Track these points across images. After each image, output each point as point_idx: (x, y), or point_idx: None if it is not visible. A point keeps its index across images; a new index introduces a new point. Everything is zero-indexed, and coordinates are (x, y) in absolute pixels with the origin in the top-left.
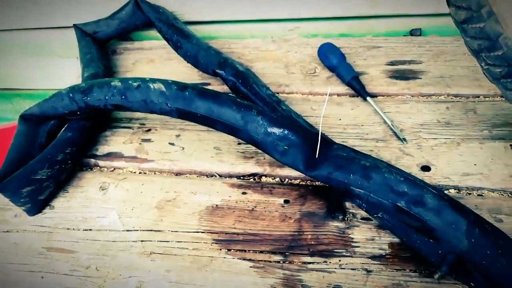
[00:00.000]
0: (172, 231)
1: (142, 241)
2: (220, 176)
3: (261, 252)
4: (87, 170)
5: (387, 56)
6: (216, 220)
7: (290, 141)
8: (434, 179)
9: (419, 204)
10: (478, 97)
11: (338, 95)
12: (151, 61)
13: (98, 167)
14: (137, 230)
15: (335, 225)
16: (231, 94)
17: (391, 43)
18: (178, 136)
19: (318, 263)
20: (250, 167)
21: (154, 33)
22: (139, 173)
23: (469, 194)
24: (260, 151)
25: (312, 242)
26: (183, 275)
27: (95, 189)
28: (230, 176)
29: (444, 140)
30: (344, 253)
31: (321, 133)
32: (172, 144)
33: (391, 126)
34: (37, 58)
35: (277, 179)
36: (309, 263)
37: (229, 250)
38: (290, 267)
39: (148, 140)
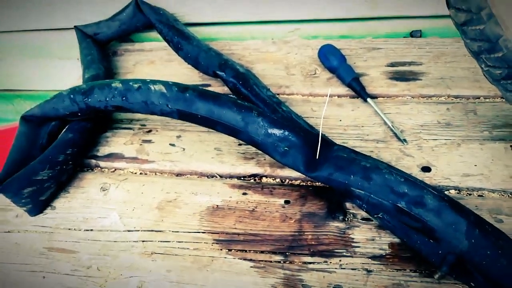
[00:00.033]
0: (173, 232)
1: (143, 241)
2: (221, 176)
3: (262, 252)
4: (88, 171)
5: (388, 57)
6: (216, 220)
7: (290, 142)
8: (435, 180)
9: (419, 205)
10: (479, 98)
11: (339, 96)
12: (151, 62)
13: (99, 168)
14: (138, 231)
15: (335, 225)
16: (231, 96)
17: (392, 45)
18: (178, 137)
19: (318, 263)
20: (251, 168)
21: (154, 34)
22: (140, 173)
23: (470, 194)
24: (260, 152)
25: (313, 242)
26: (184, 275)
27: (96, 190)
28: (231, 177)
29: (444, 141)
30: (344, 253)
31: (322, 134)
32: (173, 145)
33: (392, 127)
34: (37, 59)
35: (278, 180)
36: (310, 263)
37: (229, 250)
38: (291, 267)
39: (149, 141)
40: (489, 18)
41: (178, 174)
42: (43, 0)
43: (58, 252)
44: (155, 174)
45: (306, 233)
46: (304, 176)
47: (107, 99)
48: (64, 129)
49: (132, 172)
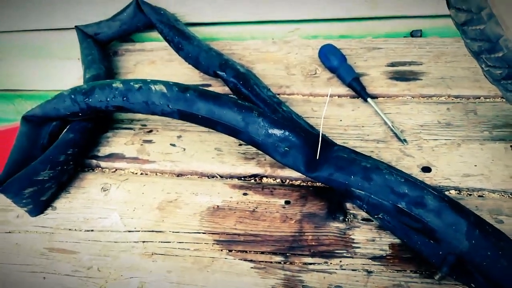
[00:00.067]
0: (173, 232)
1: (143, 241)
2: (221, 177)
3: (262, 252)
4: (89, 171)
5: (388, 57)
6: (217, 221)
7: (291, 142)
8: (435, 180)
9: (419, 205)
10: (479, 98)
11: (339, 96)
12: (152, 62)
13: (99, 168)
14: (139, 231)
15: (335, 226)
16: (232, 96)
17: (392, 44)
18: (179, 137)
19: (319, 263)
20: (251, 168)
21: (155, 34)
22: (141, 174)
23: (470, 195)
24: (261, 152)
25: (313, 243)
26: (185, 275)
27: (96, 190)
28: (231, 177)
29: (444, 141)
30: (344, 254)
31: (322, 134)
32: (174, 145)
33: (392, 127)
34: (37, 59)
35: (278, 180)
36: (310, 263)
37: (230, 250)
38: (291, 267)
39: (150, 141)
40: (490, 18)
41: (179, 174)
42: (43, 0)
43: (58, 252)
44: (156, 174)
45: (306, 234)
46: (304, 176)
47: (108, 99)
48: (65, 129)
49: (132, 172)
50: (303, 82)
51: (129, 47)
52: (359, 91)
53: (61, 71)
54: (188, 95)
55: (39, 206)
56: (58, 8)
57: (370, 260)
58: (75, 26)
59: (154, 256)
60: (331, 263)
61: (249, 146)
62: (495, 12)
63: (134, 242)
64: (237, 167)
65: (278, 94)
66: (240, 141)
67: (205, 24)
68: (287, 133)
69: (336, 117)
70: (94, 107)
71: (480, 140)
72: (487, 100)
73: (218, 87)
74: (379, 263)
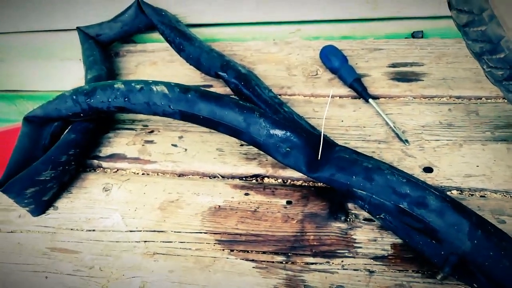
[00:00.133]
0: (175, 232)
1: (145, 241)
2: (223, 177)
3: (264, 252)
4: (91, 171)
5: (389, 58)
6: (219, 220)
7: (292, 143)
8: (437, 181)
9: (421, 206)
10: (480, 98)
11: (340, 97)
12: (153, 63)
13: (101, 168)
14: (140, 231)
15: (337, 226)
16: (233, 96)
17: (393, 45)
18: (180, 137)
19: (320, 263)
20: (253, 168)
21: (156, 35)
22: (142, 174)
23: (472, 195)
24: (262, 152)
25: (315, 243)
26: (186, 275)
27: (98, 190)
28: (233, 177)
29: (446, 142)
30: (346, 254)
31: (323, 134)
32: (175, 145)
33: (393, 127)
34: (38, 60)
35: (280, 180)
36: (312, 263)
37: (232, 250)
38: (293, 267)
39: (151, 142)
40: (491, 19)
41: (180, 175)
42: (43, 1)
43: (60, 252)
44: (157, 174)
45: (308, 234)
46: (306, 176)
47: (110, 100)
48: (67, 130)
49: (134, 173)
50: (304, 83)
51: (130, 48)
52: (361, 92)
53: (61, 72)
54: (189, 96)
55: (41, 206)
56: (58, 9)
57: (372, 260)
58: (77, 27)
59: (156, 256)
60: (333, 263)
61: (251, 147)
62: (496, 14)
63: (136, 242)
64: (238, 168)
65: (280, 95)
66: (242, 141)
67: (206, 25)
68: (288, 133)
69: (338, 117)
70: (96, 107)
71: (482, 140)
72: (489, 101)
73: (219, 88)
74: (381, 263)
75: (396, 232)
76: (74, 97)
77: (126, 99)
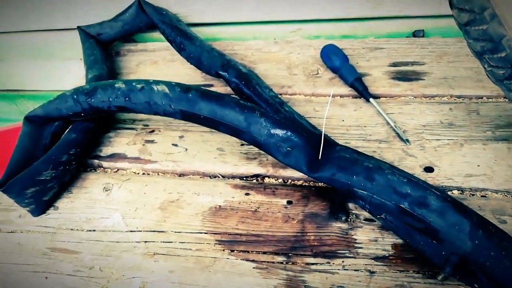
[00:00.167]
0: (175, 232)
1: (145, 241)
2: (223, 177)
3: (264, 253)
4: (91, 171)
5: (390, 57)
6: (219, 221)
7: (293, 142)
8: (437, 180)
9: (422, 206)
10: (481, 98)
11: (341, 96)
12: (154, 62)
13: (101, 168)
14: (141, 231)
15: (338, 226)
16: (234, 96)
17: (394, 45)
18: (181, 137)
19: (321, 264)
20: (253, 168)
21: (157, 35)
22: (143, 174)
23: (473, 195)
24: (263, 152)
25: (315, 243)
26: (186, 275)
27: (98, 190)
28: (233, 177)
29: (447, 141)
30: (347, 254)
31: (324, 134)
32: (176, 145)
33: (394, 127)
34: (38, 60)
35: (280, 180)
36: (312, 264)
37: (232, 251)
38: (293, 268)
39: (152, 141)
40: (492, 18)
41: (181, 174)
42: (43, 1)
43: (60, 252)
44: (158, 174)
45: (308, 234)
46: (306, 176)
47: (110, 99)
48: (67, 130)
49: (134, 172)
50: (305, 82)
51: (131, 47)
52: (361, 91)
53: (62, 71)
54: (190, 95)
55: (41, 206)
56: (58, 9)
57: (373, 260)
58: (78, 27)
59: (156, 256)
60: (333, 263)
61: (251, 146)
62: (497, 12)
63: (136, 242)
64: (239, 167)
65: (280, 94)
66: (242, 141)
67: (207, 25)
68: (289, 133)
69: (338, 117)
70: (97, 107)
71: (483, 140)
72: (490, 100)
73: (220, 87)
74: (381, 263)
75: (397, 232)
76: (75, 96)
77: (127, 99)
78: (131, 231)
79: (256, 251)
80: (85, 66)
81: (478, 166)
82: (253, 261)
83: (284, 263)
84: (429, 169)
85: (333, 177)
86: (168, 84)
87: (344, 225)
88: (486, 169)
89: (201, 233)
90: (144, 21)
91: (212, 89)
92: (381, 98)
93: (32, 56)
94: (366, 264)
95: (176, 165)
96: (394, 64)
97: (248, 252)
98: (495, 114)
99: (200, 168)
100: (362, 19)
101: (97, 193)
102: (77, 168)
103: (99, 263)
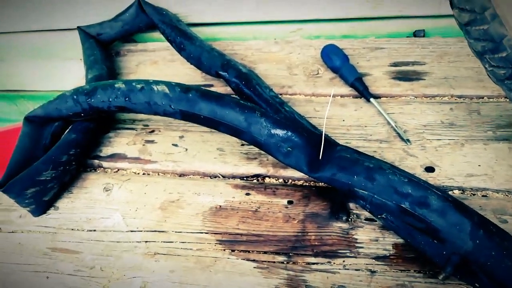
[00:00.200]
0: (176, 232)
1: (146, 241)
2: (224, 177)
3: (265, 252)
4: (91, 171)
5: (390, 57)
6: (219, 220)
7: (293, 142)
8: (438, 180)
9: (423, 206)
10: (482, 98)
11: (342, 96)
12: (154, 62)
13: (102, 168)
14: (141, 231)
15: (338, 225)
16: (234, 96)
17: (394, 44)
18: (181, 137)
19: (322, 263)
20: (254, 168)
21: (157, 35)
22: (143, 174)
23: (474, 195)
24: (263, 152)
25: (316, 243)
26: (187, 275)
27: (99, 190)
28: (234, 177)
29: (448, 141)
30: (348, 254)
31: (325, 134)
32: (176, 145)
33: (395, 127)
34: (38, 60)
35: (281, 180)
36: (313, 263)
37: (233, 250)
38: (294, 267)
39: (152, 141)
40: (493, 18)
41: (181, 175)
42: (43, 1)
43: (61, 252)
44: (158, 174)
45: (309, 234)
46: (307, 176)
47: (110, 99)
48: (67, 130)
49: (135, 173)
50: (306, 82)
51: (131, 47)
52: (362, 91)
53: (62, 72)
54: (190, 95)
55: (41, 206)
56: (58, 9)
57: (374, 260)
58: (78, 27)
59: (157, 256)
60: (334, 263)
61: (252, 146)
62: (498, 12)
63: (137, 242)
64: (239, 167)
65: (280, 94)
66: (243, 141)
67: (207, 25)
68: (289, 133)
69: (339, 117)
70: (96, 107)
71: (484, 140)
72: (491, 100)
73: (220, 88)
74: (382, 263)
75: (397, 232)
76: (75, 96)
77: (127, 99)
78: (131, 231)
79: (257, 251)
80: (85, 66)
81: (479, 166)
82: (254, 261)
83: (285, 262)
84: (430, 169)
85: (333, 177)
86: (168, 84)
87: (345, 225)
88: (487, 169)
89: (202, 233)
90: (144, 21)
91: (212, 89)
92: (381, 98)
93: (32, 56)
94: (367, 264)
95: (176, 165)
96: (395, 64)
97: (248, 252)
98: (496, 114)
99: (200, 168)
100: (362, 19)
101: (97, 193)
102: (77, 168)
103: (100, 263)
